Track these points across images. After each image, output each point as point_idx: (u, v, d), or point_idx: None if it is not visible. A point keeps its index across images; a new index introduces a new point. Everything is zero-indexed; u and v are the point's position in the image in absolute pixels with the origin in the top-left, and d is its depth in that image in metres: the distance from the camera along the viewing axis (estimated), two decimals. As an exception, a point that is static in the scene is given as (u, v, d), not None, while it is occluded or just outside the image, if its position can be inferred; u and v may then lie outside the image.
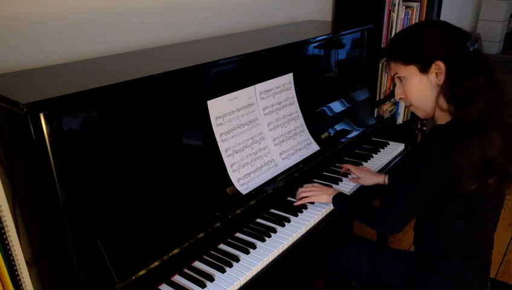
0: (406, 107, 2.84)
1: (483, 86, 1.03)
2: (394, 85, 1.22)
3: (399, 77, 1.16)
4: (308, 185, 1.46)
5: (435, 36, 1.08)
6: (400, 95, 1.18)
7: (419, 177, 1.09)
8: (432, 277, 1.17)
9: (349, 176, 1.59)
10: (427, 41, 1.08)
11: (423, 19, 2.70)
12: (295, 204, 1.40)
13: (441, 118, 1.13)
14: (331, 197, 1.37)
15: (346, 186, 1.54)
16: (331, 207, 1.42)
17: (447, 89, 1.07)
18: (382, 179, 1.54)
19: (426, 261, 1.19)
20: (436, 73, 1.08)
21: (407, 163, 1.17)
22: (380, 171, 1.68)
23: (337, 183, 1.54)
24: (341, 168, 1.63)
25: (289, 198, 1.47)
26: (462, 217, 1.10)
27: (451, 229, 1.13)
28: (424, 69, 1.10)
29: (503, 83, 1.07)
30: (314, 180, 1.57)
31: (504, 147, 1.03)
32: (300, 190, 1.44)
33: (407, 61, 1.12)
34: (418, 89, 1.12)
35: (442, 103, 1.09)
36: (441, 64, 1.07)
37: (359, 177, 1.56)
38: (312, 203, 1.42)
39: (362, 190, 1.55)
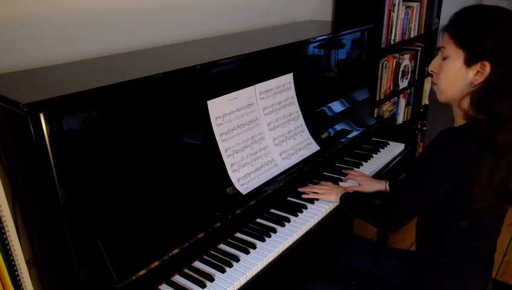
0: (405, 107, 2.84)
1: None
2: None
3: (443, 53, 1.07)
4: (322, 182, 1.49)
5: (502, 34, 0.97)
6: (434, 68, 1.10)
7: (427, 175, 1.07)
8: (434, 277, 1.17)
9: (348, 181, 1.56)
10: (491, 36, 0.97)
11: (423, 19, 2.70)
12: (304, 196, 1.44)
13: (458, 116, 1.08)
14: (339, 197, 1.39)
15: (350, 183, 1.54)
16: (331, 207, 1.42)
17: (479, 95, 1.00)
18: (383, 186, 1.50)
19: (428, 260, 1.18)
20: (478, 72, 1.00)
21: (416, 160, 1.15)
22: (380, 171, 1.68)
23: (337, 184, 1.54)
24: (342, 170, 1.61)
25: (289, 198, 1.46)
26: (467, 220, 1.08)
27: (455, 231, 1.11)
28: (470, 62, 1.00)
29: None
30: (314, 180, 1.57)
31: None
32: (313, 185, 1.48)
33: (459, 44, 1.02)
34: (452, 76, 1.04)
35: (465, 103, 1.03)
36: (487, 67, 0.98)
37: (360, 184, 1.53)
38: (312, 202, 1.42)
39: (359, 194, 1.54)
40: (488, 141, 0.97)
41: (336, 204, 1.43)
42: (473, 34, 1.00)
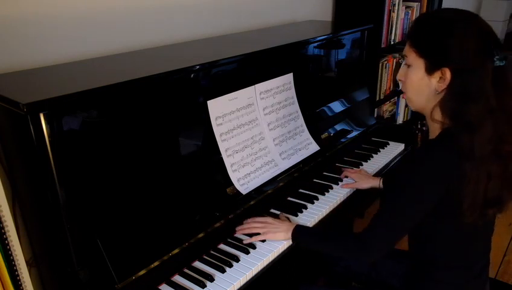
0: (405, 107, 2.84)
1: (493, 111, 0.94)
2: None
3: (406, 62, 1.07)
4: (260, 218, 1.28)
5: (461, 40, 0.95)
6: (401, 77, 1.10)
7: (410, 197, 1.03)
8: (430, 285, 1.15)
9: (344, 179, 1.57)
10: (449, 43, 0.96)
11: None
12: (245, 242, 1.22)
13: (433, 128, 1.07)
14: (290, 233, 1.21)
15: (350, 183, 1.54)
16: (331, 207, 1.42)
17: (444, 101, 0.99)
18: (377, 183, 1.50)
19: (423, 271, 1.16)
20: (440, 78, 1.00)
21: (397, 180, 1.08)
22: (380, 171, 1.68)
23: (337, 184, 1.54)
24: (341, 170, 1.61)
25: (289, 198, 1.46)
26: (454, 229, 1.07)
27: (444, 239, 1.09)
28: (430, 70, 1.01)
29: None
30: (314, 180, 1.57)
31: (503, 177, 0.98)
32: (249, 222, 1.27)
33: (419, 53, 1.02)
34: (416, 85, 1.04)
35: (437, 112, 1.02)
36: (448, 73, 0.97)
37: (355, 181, 1.53)
38: (312, 203, 1.42)
39: (357, 195, 1.54)
40: (467, 150, 0.95)
41: (336, 204, 1.43)
42: (431, 42, 1.00)
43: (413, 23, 1.08)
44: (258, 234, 1.23)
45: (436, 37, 0.99)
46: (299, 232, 1.21)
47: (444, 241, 1.10)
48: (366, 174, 1.57)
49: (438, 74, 1.00)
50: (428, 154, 1.00)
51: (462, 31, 0.96)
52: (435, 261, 1.13)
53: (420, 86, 1.04)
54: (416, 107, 1.10)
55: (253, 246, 1.21)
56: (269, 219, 1.27)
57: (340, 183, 1.55)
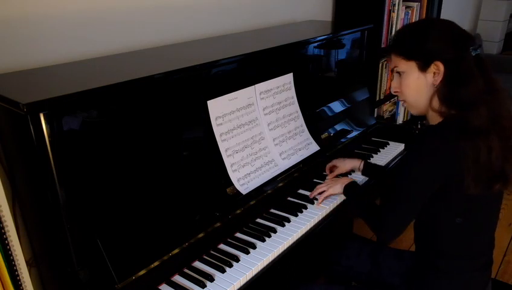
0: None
1: (484, 92, 1.04)
2: (393, 77, 1.21)
3: (398, 71, 1.16)
4: (327, 180, 1.49)
5: (440, 36, 1.08)
6: (396, 88, 1.18)
7: (414, 179, 1.08)
8: (434, 277, 1.17)
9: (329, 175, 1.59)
10: (432, 40, 1.08)
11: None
12: (319, 202, 1.41)
13: (433, 119, 1.13)
14: (343, 187, 1.39)
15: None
16: (331, 207, 1.42)
17: (443, 91, 1.08)
18: (358, 164, 1.57)
19: (428, 261, 1.19)
20: (434, 73, 1.09)
21: (401, 166, 1.16)
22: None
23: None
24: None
25: (289, 198, 1.47)
26: (461, 216, 1.10)
27: (450, 229, 1.12)
28: (423, 68, 1.10)
29: (502, 89, 1.08)
30: (314, 180, 1.57)
31: (503, 150, 1.04)
32: (318, 186, 1.46)
33: (408, 57, 1.11)
34: (414, 86, 1.12)
35: (435, 103, 1.10)
36: (440, 66, 1.07)
37: (337, 167, 1.57)
38: (312, 203, 1.42)
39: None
40: (464, 130, 1.02)
41: (336, 204, 1.43)
42: (416, 43, 1.10)
43: (394, 36, 1.19)
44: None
45: (420, 37, 1.10)
46: (350, 188, 1.38)
47: (449, 230, 1.12)
48: (343, 158, 1.61)
49: (431, 69, 1.09)
50: (431, 138, 1.06)
51: (441, 27, 1.10)
52: (439, 250, 1.16)
53: (418, 86, 1.12)
54: (418, 108, 1.17)
55: (254, 246, 1.21)
56: (333, 179, 1.48)
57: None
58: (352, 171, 1.61)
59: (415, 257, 1.29)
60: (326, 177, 1.55)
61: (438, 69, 1.08)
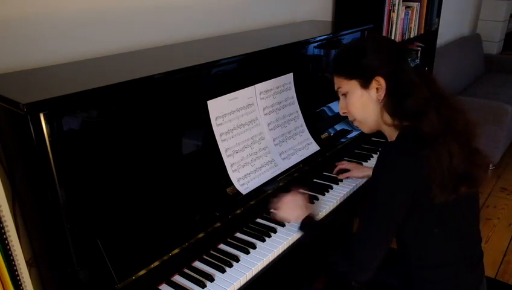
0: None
1: (430, 98, 1.05)
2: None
3: (342, 93, 1.17)
4: (285, 200, 1.31)
5: (376, 51, 1.10)
6: (343, 109, 1.19)
7: (384, 202, 1.03)
8: (426, 285, 1.15)
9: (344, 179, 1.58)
10: (368, 57, 1.10)
11: (423, 19, 2.70)
12: (272, 214, 1.32)
13: (390, 134, 1.14)
14: (300, 220, 1.25)
15: (350, 183, 1.55)
16: (331, 207, 1.42)
17: (389, 105, 1.08)
18: (371, 172, 1.52)
19: (416, 272, 1.16)
20: (377, 88, 1.10)
21: (368, 192, 1.09)
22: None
23: (337, 184, 1.54)
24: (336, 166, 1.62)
25: (289, 198, 1.46)
26: (437, 226, 1.08)
27: (430, 240, 1.10)
28: (365, 85, 1.11)
29: (449, 95, 1.09)
30: (314, 180, 1.57)
31: (464, 153, 1.03)
32: (275, 205, 1.32)
33: (349, 77, 1.13)
34: (360, 104, 1.14)
35: (387, 118, 1.10)
36: (381, 80, 1.08)
37: (350, 170, 1.58)
38: (312, 202, 1.42)
39: (357, 195, 1.55)
40: (421, 139, 1.01)
41: (336, 204, 1.43)
42: (353, 62, 1.12)
43: (333, 59, 1.23)
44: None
45: (357, 56, 1.12)
46: (306, 225, 1.24)
47: (429, 241, 1.11)
48: (360, 165, 1.63)
49: (373, 85, 1.10)
50: (392, 155, 1.05)
51: (374, 44, 1.12)
52: (423, 261, 1.14)
53: (363, 103, 1.13)
54: (370, 126, 1.18)
55: (254, 246, 1.21)
56: (291, 198, 1.31)
57: (340, 183, 1.55)
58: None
59: (404, 271, 1.23)
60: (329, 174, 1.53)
61: (379, 84, 1.09)
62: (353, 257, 1.06)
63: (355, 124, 1.20)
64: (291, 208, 1.28)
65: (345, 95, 1.17)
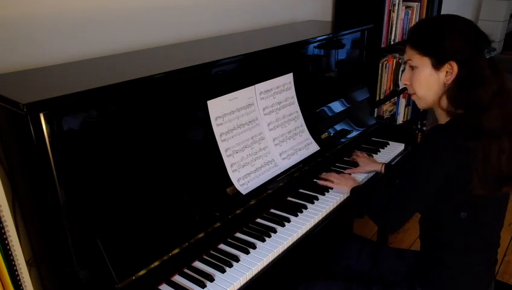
0: (405, 107, 2.84)
1: (496, 94, 1.04)
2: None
3: (411, 65, 1.15)
4: (340, 174, 1.52)
5: (457, 35, 1.07)
6: (406, 81, 1.18)
7: (421, 174, 1.09)
8: (439, 272, 1.18)
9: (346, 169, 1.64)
10: (449, 39, 1.07)
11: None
12: (319, 182, 1.51)
13: (440, 116, 1.14)
14: (350, 189, 1.43)
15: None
16: (331, 207, 1.42)
17: (452, 92, 1.08)
18: (379, 167, 1.61)
19: (433, 256, 1.19)
20: (447, 72, 1.08)
21: (409, 160, 1.17)
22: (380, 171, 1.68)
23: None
24: (349, 159, 1.72)
25: (289, 198, 1.47)
26: (465, 210, 1.10)
27: (456, 223, 1.13)
28: (437, 65, 1.09)
29: None
30: (314, 180, 1.57)
31: None
32: (328, 174, 1.52)
33: (423, 52, 1.10)
34: (425, 82, 1.12)
35: (444, 102, 1.10)
36: (455, 66, 1.06)
37: (359, 165, 1.64)
38: (312, 202, 1.42)
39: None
40: (475, 130, 1.02)
41: (336, 204, 1.44)
42: (433, 40, 1.09)
43: (412, 28, 1.18)
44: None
45: (438, 34, 1.08)
46: (356, 190, 1.41)
47: (454, 224, 1.13)
48: (370, 159, 1.69)
49: (445, 68, 1.08)
50: (440, 136, 1.07)
51: (459, 26, 1.09)
52: (445, 245, 1.16)
53: (429, 82, 1.11)
54: (427, 103, 1.17)
55: (254, 246, 1.21)
56: (344, 175, 1.52)
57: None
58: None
59: (418, 255, 1.29)
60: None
61: (451, 68, 1.07)
62: (391, 210, 1.17)
63: (413, 97, 1.20)
64: (344, 180, 1.48)
65: (412, 67, 1.14)
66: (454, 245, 1.15)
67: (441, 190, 1.09)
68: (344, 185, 1.46)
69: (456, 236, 1.15)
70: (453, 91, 1.08)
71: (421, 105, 1.19)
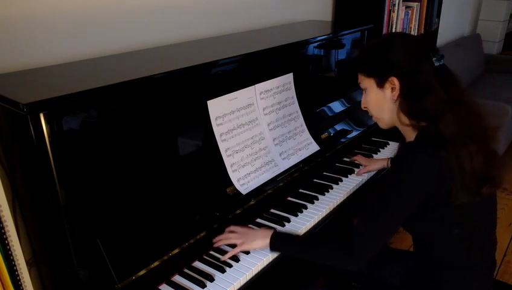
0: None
1: (446, 101, 1.03)
2: None
3: (362, 88, 1.18)
4: (237, 228, 1.23)
5: (394, 51, 1.09)
6: (362, 104, 1.21)
7: (395, 197, 1.04)
8: (435, 286, 1.16)
9: (356, 170, 1.64)
10: (385, 56, 1.09)
11: (423, 19, 2.70)
12: (222, 259, 1.16)
13: (408, 134, 1.13)
14: (268, 240, 1.18)
15: (350, 183, 1.55)
16: (331, 207, 1.42)
17: (404, 105, 1.08)
18: (385, 163, 1.62)
19: (428, 271, 1.17)
20: (392, 88, 1.09)
21: (382, 185, 1.11)
22: (380, 171, 1.68)
23: (337, 183, 1.54)
24: (350, 159, 1.73)
25: (289, 198, 1.47)
26: (456, 226, 1.08)
27: (449, 240, 1.11)
28: (380, 84, 1.11)
29: (468, 97, 1.08)
30: (314, 180, 1.57)
31: (484, 154, 1.03)
32: (226, 232, 1.23)
33: (367, 74, 1.14)
34: (375, 102, 1.15)
35: (403, 118, 1.10)
36: (395, 81, 1.08)
37: (365, 165, 1.64)
38: (312, 202, 1.42)
39: (357, 195, 1.56)
40: (440, 140, 1.01)
41: (336, 204, 1.43)
42: (373, 60, 1.13)
43: (358, 52, 1.23)
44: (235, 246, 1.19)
45: (376, 53, 1.12)
46: (278, 238, 1.18)
47: (448, 242, 1.11)
48: (373, 159, 1.71)
49: (388, 85, 1.10)
50: (411, 154, 1.05)
51: (396, 41, 1.11)
52: (439, 261, 1.14)
53: (378, 102, 1.14)
54: (385, 123, 1.19)
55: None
56: (242, 230, 1.22)
57: (340, 183, 1.55)
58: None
59: (416, 266, 1.25)
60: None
61: (394, 84, 1.08)
62: (352, 245, 1.07)
63: (374, 119, 1.22)
64: (249, 234, 1.20)
65: (365, 90, 1.17)
66: (449, 261, 1.13)
67: (426, 209, 1.05)
68: (255, 240, 1.18)
69: (451, 252, 1.12)
70: (403, 105, 1.08)
71: (381, 125, 1.20)
